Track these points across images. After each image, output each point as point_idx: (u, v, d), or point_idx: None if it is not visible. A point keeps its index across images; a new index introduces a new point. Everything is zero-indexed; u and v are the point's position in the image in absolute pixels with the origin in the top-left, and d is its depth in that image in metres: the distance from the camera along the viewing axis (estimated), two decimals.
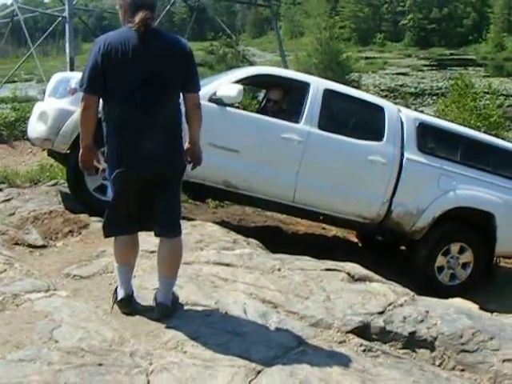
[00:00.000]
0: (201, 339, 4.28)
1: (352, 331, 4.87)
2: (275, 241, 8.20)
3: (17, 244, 6.42)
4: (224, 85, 7.65)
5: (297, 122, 7.90)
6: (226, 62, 26.90)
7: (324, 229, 10.24)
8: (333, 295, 5.39)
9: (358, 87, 34.67)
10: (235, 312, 4.79)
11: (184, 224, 6.92)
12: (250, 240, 7.08)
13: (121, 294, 4.58)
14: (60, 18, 21.11)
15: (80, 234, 6.80)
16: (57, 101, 7.58)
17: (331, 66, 35.74)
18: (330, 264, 6.17)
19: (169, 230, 4.57)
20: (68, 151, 7.44)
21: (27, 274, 5.32)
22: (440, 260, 8.39)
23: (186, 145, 4.57)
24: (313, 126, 7.88)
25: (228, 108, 7.60)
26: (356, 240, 10.35)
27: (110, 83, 4.23)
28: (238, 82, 7.88)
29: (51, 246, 6.54)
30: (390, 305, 5.33)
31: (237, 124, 7.71)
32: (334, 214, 8.14)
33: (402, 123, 8.32)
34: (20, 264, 5.58)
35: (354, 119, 8.48)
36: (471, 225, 8.51)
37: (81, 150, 4.45)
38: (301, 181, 7.84)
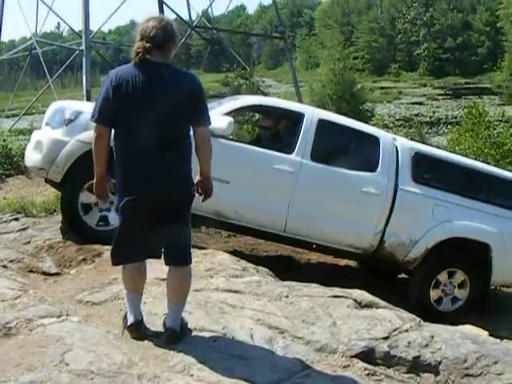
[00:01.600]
0: (207, 363, 4.38)
1: (357, 356, 4.95)
2: (287, 270, 8.27)
3: (31, 271, 6.56)
4: (215, 116, 7.42)
5: (289, 152, 7.90)
6: (241, 93, 27.07)
7: (336, 258, 10.29)
8: (339, 321, 5.47)
9: (371, 117, 34.82)
10: (242, 337, 4.89)
11: (195, 252, 7.06)
12: (260, 268, 7.15)
13: (130, 320, 4.69)
14: (77, 52, 21.44)
15: (93, 262, 6.92)
16: (52, 131, 7.69)
17: (345, 97, 35.94)
18: (337, 291, 6.24)
19: (178, 258, 4.67)
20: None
21: (41, 300, 5.45)
22: (435, 293, 8.41)
23: (197, 177, 4.67)
24: (305, 157, 7.90)
25: (219, 139, 7.40)
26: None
27: (120, 114, 4.37)
28: (231, 112, 7.91)
29: (65, 274, 6.67)
30: (395, 330, 5.40)
31: (228, 155, 7.58)
32: (326, 243, 8.17)
33: (397, 153, 8.32)
34: (34, 291, 5.73)
35: (348, 150, 8.50)
36: (467, 253, 8.50)
37: (95, 179, 4.57)
38: (292, 211, 7.87)
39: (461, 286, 8.48)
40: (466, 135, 21.41)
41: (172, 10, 23.36)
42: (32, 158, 7.80)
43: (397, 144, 8.45)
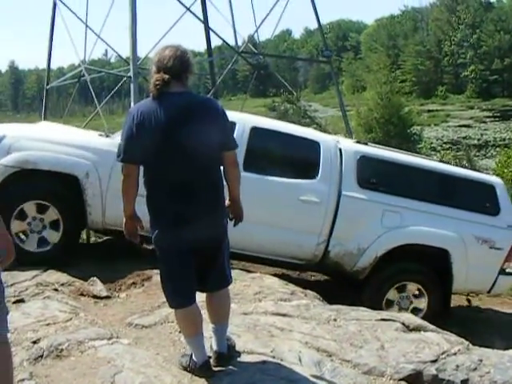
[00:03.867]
0: None
1: (404, 379, 4.94)
2: (334, 293, 8.25)
3: (82, 295, 6.65)
4: None
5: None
6: (288, 118, 27.21)
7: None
8: (387, 344, 5.46)
9: (419, 141, 34.63)
10: (290, 360, 4.91)
11: (243, 276, 7.13)
12: (308, 291, 7.17)
13: (200, 361, 4.57)
14: (125, 78, 21.71)
15: (143, 285, 7.00)
16: None
17: (392, 120, 35.84)
18: (385, 314, 6.25)
19: (221, 284, 4.67)
20: None
21: (91, 322, 5.55)
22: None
23: (227, 202, 4.65)
24: None
25: None
26: None
27: (148, 150, 4.28)
28: None
29: (115, 297, 6.76)
30: (443, 353, 5.36)
31: None
32: (266, 256, 7.86)
33: (341, 157, 7.98)
34: (85, 313, 5.84)
35: (285, 157, 8.17)
36: (424, 261, 8.00)
37: (124, 220, 4.53)
38: None
39: (418, 296, 7.99)
40: None
41: (218, 36, 23.56)
42: None
43: (341, 147, 8.07)
